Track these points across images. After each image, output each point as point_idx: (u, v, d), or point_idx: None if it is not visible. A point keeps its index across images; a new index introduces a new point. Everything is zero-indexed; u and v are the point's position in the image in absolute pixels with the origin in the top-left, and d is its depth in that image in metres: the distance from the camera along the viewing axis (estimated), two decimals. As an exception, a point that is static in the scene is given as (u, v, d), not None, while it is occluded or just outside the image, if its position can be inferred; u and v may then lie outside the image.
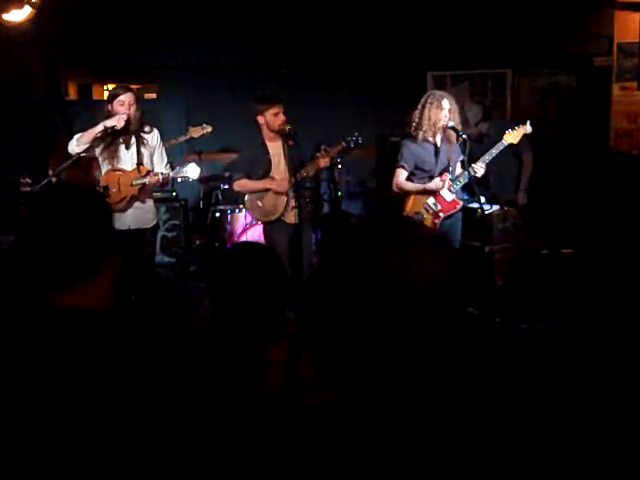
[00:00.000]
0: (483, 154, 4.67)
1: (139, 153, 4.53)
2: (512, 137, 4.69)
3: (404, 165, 4.65)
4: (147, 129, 4.60)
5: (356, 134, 4.84)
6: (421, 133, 4.56)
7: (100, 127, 4.39)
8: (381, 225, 1.01)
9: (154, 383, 1.30)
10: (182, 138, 5.77)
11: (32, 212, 1.46)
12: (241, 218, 6.01)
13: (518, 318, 4.88)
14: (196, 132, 5.77)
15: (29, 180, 4.84)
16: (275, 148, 4.90)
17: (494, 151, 4.63)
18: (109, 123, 4.38)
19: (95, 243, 1.42)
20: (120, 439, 1.23)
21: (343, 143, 4.87)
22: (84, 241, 1.40)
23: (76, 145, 4.46)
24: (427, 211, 4.66)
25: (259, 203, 4.97)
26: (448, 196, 4.63)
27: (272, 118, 4.77)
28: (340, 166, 6.50)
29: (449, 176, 4.65)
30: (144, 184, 4.51)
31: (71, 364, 1.28)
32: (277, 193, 4.88)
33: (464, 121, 5.18)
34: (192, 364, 1.47)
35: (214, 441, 1.22)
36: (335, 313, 0.95)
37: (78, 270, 1.39)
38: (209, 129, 5.74)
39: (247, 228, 5.88)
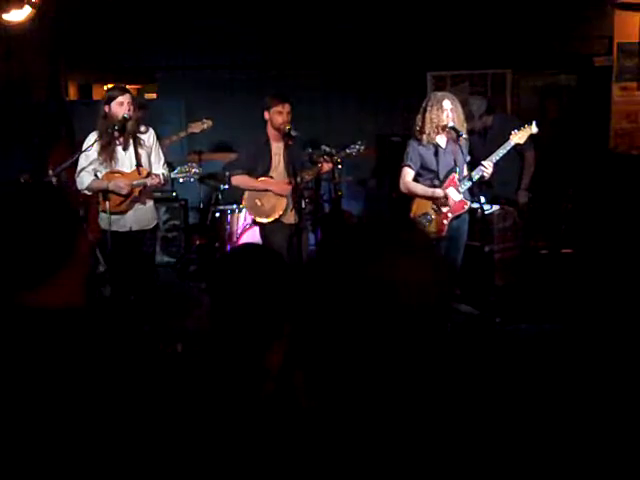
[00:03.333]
0: (486, 147, 4.69)
1: (137, 154, 4.52)
2: (518, 137, 4.71)
3: (410, 164, 4.64)
4: (143, 129, 4.59)
5: (359, 142, 5.01)
6: (425, 136, 4.57)
7: (104, 186, 4.44)
8: (372, 230, 1.02)
9: (124, 384, 1.29)
10: (182, 134, 5.74)
11: None
12: (241, 218, 6.01)
13: (518, 318, 4.88)
14: (196, 127, 5.73)
15: (29, 180, 4.83)
16: (277, 148, 4.92)
17: (502, 151, 4.63)
18: (114, 188, 4.42)
19: (57, 241, 1.41)
20: (98, 440, 1.22)
21: (347, 150, 5.01)
22: (47, 240, 1.39)
23: (86, 189, 4.52)
24: (435, 212, 4.64)
25: (258, 202, 4.98)
26: (456, 196, 4.62)
27: (275, 115, 4.81)
28: (340, 166, 6.50)
29: (457, 176, 4.64)
30: (145, 185, 4.50)
31: (40, 365, 1.27)
32: (277, 195, 4.90)
33: (468, 115, 5.19)
34: (180, 365, 1.46)
35: (204, 442, 1.22)
36: (325, 314, 0.95)
37: (42, 269, 1.38)
38: (209, 123, 5.71)
39: (247, 228, 5.88)
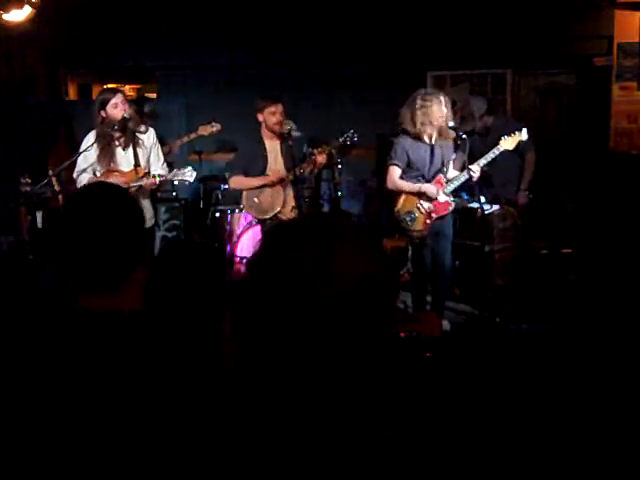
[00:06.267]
0: (487, 148, 4.67)
1: (136, 154, 4.49)
2: (507, 143, 4.67)
3: (397, 163, 4.65)
4: (142, 129, 4.56)
5: (351, 131, 4.99)
6: (418, 127, 4.52)
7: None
8: (312, 222, 1.04)
9: (186, 382, 1.29)
10: (192, 135, 5.80)
11: (69, 215, 1.42)
12: (241, 218, 6.01)
13: (518, 318, 4.88)
14: (205, 130, 5.82)
15: (29, 180, 4.83)
16: (272, 146, 4.97)
17: (490, 155, 4.61)
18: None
19: (130, 246, 1.40)
20: (148, 438, 1.23)
21: (340, 139, 5.02)
22: (121, 244, 1.38)
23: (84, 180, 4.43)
24: (419, 211, 4.66)
25: (256, 200, 5.01)
26: (441, 197, 4.62)
27: (269, 116, 4.86)
28: (340, 166, 6.50)
29: (443, 178, 4.64)
30: (140, 186, 4.48)
31: (103, 367, 1.27)
32: (274, 186, 4.91)
33: (469, 114, 5.16)
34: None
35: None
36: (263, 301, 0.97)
37: (114, 274, 1.37)
38: (218, 127, 5.79)
39: (247, 228, 5.88)
